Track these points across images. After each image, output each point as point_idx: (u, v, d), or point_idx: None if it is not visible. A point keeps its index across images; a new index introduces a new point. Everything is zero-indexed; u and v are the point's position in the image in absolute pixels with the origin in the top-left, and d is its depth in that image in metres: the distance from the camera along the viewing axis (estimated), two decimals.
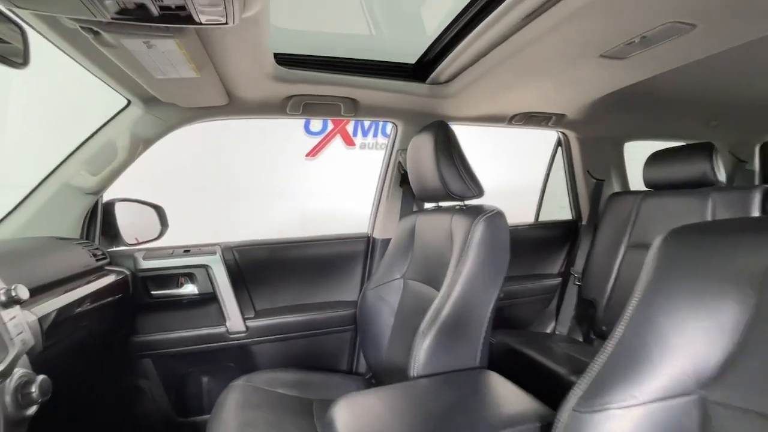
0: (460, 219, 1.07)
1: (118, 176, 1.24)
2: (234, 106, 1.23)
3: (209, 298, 1.40)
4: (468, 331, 0.96)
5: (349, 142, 5.19)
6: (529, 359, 1.46)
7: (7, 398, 0.60)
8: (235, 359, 1.45)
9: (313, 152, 5.07)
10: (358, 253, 1.62)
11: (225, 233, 1.68)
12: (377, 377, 1.37)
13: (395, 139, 1.55)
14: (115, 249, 1.37)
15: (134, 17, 0.64)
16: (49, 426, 0.83)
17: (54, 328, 0.86)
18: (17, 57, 0.62)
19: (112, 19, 0.64)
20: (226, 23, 0.69)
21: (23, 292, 0.65)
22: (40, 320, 0.79)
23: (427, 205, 1.50)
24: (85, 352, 1.17)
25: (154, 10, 0.63)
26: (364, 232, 1.64)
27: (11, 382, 0.62)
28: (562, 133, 1.86)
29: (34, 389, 0.63)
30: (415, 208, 1.59)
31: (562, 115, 1.63)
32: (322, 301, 1.57)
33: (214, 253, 1.39)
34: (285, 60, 1.11)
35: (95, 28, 0.69)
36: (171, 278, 1.38)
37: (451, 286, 0.96)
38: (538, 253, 1.94)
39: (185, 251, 1.39)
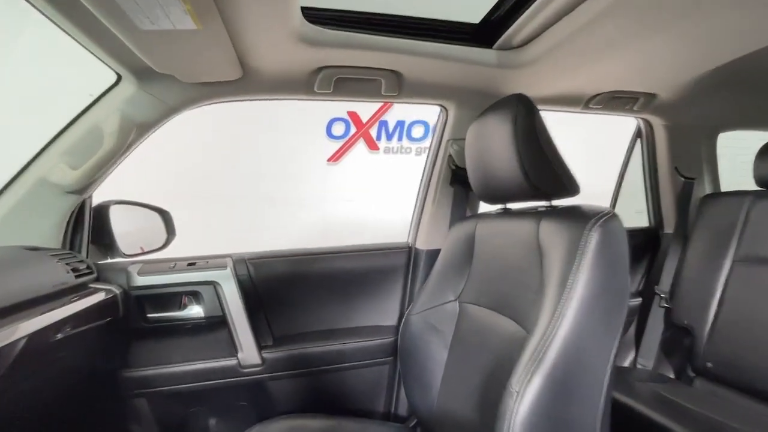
0: (555, 225, 0.76)
1: (104, 170, 1.00)
2: (249, 80, 0.97)
3: (218, 323, 1.13)
4: (584, 389, 0.65)
5: (372, 146, 4.95)
6: (623, 407, 1.12)
7: None
8: (249, 398, 1.17)
9: (335, 157, 4.84)
10: (397, 267, 1.33)
11: (237, 243, 1.43)
12: (426, 427, 1.07)
13: (444, 126, 1.26)
14: (107, 261, 1.13)
15: None
16: None
17: (10, 371, 0.61)
18: None
19: None
20: None
21: None
22: (29, 341, 0.53)
23: (486, 208, 1.19)
24: (60, 396, 0.92)
25: None
26: (403, 242, 1.36)
27: None
28: (645, 120, 1.53)
29: None
30: (468, 213, 1.30)
31: (652, 96, 1.30)
32: (354, 327, 1.28)
33: (224, 266, 1.13)
34: (314, 16, 0.85)
35: None
36: (172, 298, 1.13)
37: (555, 321, 0.66)
38: None
39: (189, 264, 1.14)
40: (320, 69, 0.98)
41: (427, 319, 1.09)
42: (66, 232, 1.03)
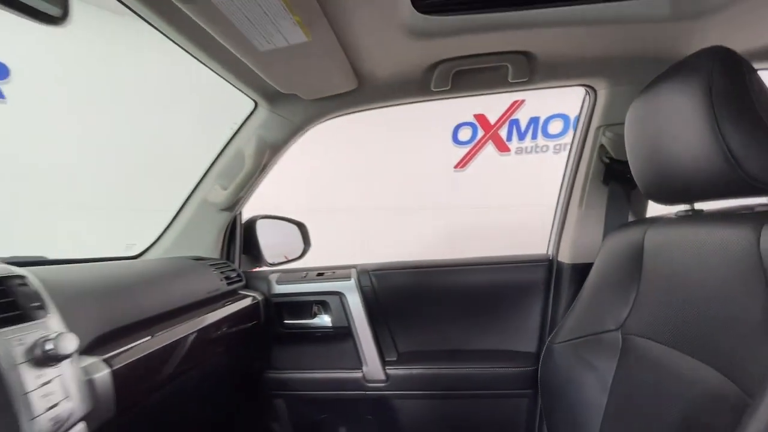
0: None
1: (246, 190, 1.11)
2: (365, 89, 0.95)
3: (344, 334, 1.14)
4: None
5: (502, 148, 4.62)
6: None
7: None
8: (374, 413, 1.14)
9: (462, 163, 4.69)
10: (535, 283, 1.12)
11: (364, 252, 1.44)
12: None
13: (592, 111, 1.01)
14: (254, 270, 1.26)
15: None
16: None
17: (161, 370, 0.70)
18: (54, 11, 0.44)
19: None
20: None
21: (66, 344, 0.46)
22: (130, 367, 0.61)
23: (663, 211, 0.90)
24: (210, 392, 1.04)
25: None
26: (543, 254, 1.14)
27: None
28: None
29: None
30: (630, 217, 1.01)
31: None
32: (485, 350, 1.13)
33: (348, 277, 1.14)
34: (426, 5, 0.77)
35: None
36: (304, 306, 1.19)
37: None
38: None
39: (318, 274, 1.18)
40: (436, 64, 0.89)
41: (578, 350, 0.88)
42: (223, 244, 1.18)
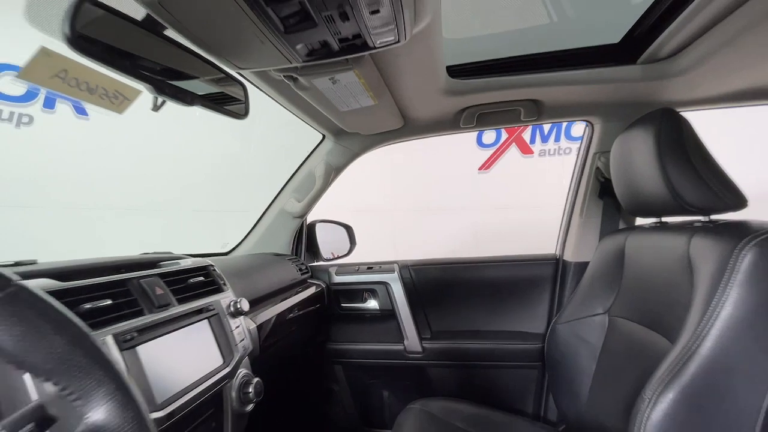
0: (707, 241, 0.75)
1: (317, 202, 1.43)
2: (408, 127, 1.25)
3: (388, 315, 1.44)
4: (731, 410, 0.64)
5: (525, 150, 4.80)
6: None
7: (233, 394, 0.71)
8: (412, 378, 1.44)
9: (486, 165, 4.89)
10: (544, 278, 1.39)
11: (399, 248, 1.73)
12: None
13: (591, 140, 1.27)
14: (314, 264, 1.58)
15: (320, 55, 0.69)
16: (259, 423, 0.97)
17: (269, 335, 1.02)
18: (240, 111, 0.76)
19: (304, 62, 0.70)
20: (398, 41, 0.67)
21: (245, 305, 0.78)
22: (258, 328, 0.94)
23: (642, 221, 1.15)
24: (291, 356, 1.36)
25: (335, 45, 0.66)
26: (551, 254, 1.41)
27: (236, 381, 0.73)
28: None
29: (250, 390, 0.74)
30: (621, 225, 1.26)
31: None
32: (502, 330, 1.41)
33: (392, 271, 1.44)
34: (457, 71, 1.05)
35: (294, 75, 0.78)
36: (357, 293, 1.50)
37: (698, 337, 0.67)
38: None
39: (368, 268, 1.48)
40: (464, 109, 1.17)
41: (575, 329, 1.14)
42: (294, 243, 1.51)
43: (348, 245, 1.73)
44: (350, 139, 1.31)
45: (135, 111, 0.80)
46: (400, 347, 1.41)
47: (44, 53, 0.54)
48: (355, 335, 1.47)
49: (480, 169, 4.92)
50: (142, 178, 3.47)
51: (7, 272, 0.30)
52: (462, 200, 4.85)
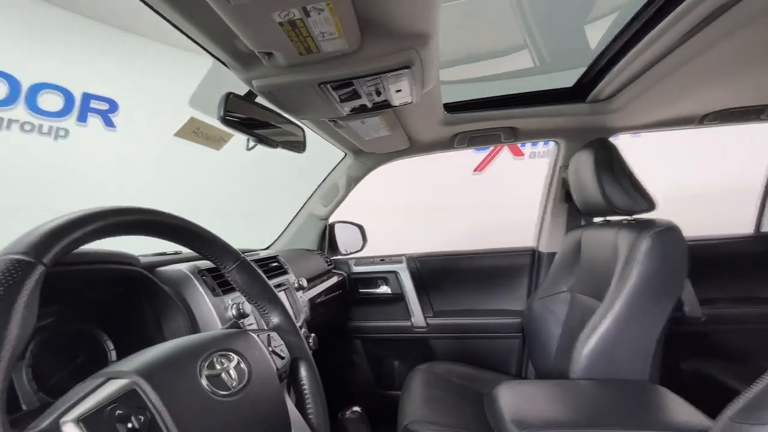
0: (626, 233, 1.09)
1: (338, 206, 1.76)
2: (413, 148, 1.58)
3: (398, 298, 1.77)
4: (633, 345, 0.98)
5: (516, 152, 5.13)
6: None
7: (310, 342, 1.04)
8: (418, 348, 1.77)
9: (481, 167, 5.23)
10: (524, 265, 1.72)
11: (402, 243, 2.05)
12: None
13: (558, 155, 1.60)
14: (337, 257, 1.91)
15: (358, 110, 1.02)
16: None
17: (313, 309, 1.34)
18: (299, 146, 1.08)
19: (347, 114, 1.03)
20: (412, 102, 0.99)
21: (305, 282, 1.11)
22: (309, 301, 1.26)
23: (596, 220, 1.49)
24: (321, 329, 1.69)
25: (369, 105, 0.99)
26: (529, 246, 1.74)
27: (303, 332, 1.06)
28: None
29: (311, 341, 1.06)
30: (583, 222, 1.60)
31: None
32: (490, 308, 1.74)
33: (401, 261, 1.77)
34: (452, 107, 1.38)
35: (337, 120, 1.11)
36: (372, 280, 1.83)
37: (614, 297, 1.01)
38: (760, 271, 1.59)
39: (381, 260, 1.82)
40: (457, 134, 1.50)
41: (546, 304, 1.47)
42: (319, 241, 1.83)
43: (361, 242, 2.05)
44: (367, 157, 1.64)
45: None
46: (408, 323, 1.74)
47: (191, 120, 0.86)
48: (371, 315, 1.80)
49: (475, 170, 5.26)
50: (165, 182, 3.77)
51: (235, 249, 0.62)
52: (458, 200, 5.18)
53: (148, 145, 3.65)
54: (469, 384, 1.45)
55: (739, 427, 0.53)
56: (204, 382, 0.40)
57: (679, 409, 0.80)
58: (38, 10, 2.99)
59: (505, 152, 5.18)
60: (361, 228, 2.07)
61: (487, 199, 5.08)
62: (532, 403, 0.86)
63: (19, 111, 3.06)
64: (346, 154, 1.65)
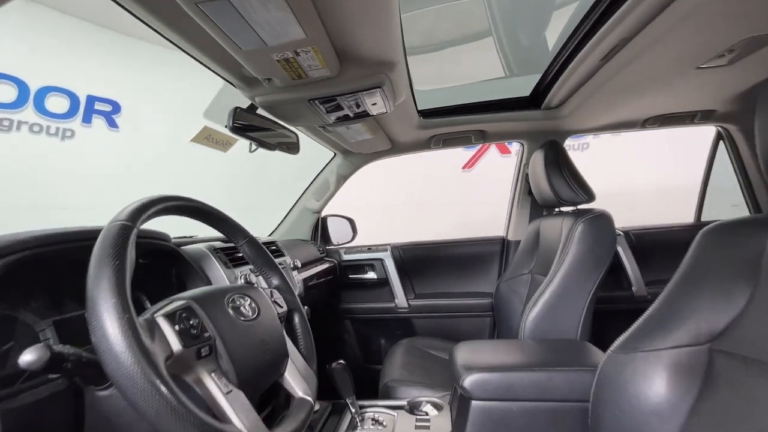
0: (568, 220, 1.30)
1: (329, 201, 1.97)
2: (395, 148, 1.79)
3: (383, 282, 1.99)
4: (568, 311, 1.20)
5: (503, 150, 5.36)
6: None
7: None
8: (401, 327, 1.99)
9: (469, 164, 5.45)
10: (494, 252, 1.94)
11: (394, 236, 2.26)
12: None
13: (523, 155, 1.82)
14: (329, 247, 2.12)
15: (342, 119, 1.22)
16: None
17: (306, 290, 1.55)
18: (294, 149, 1.29)
19: (333, 122, 1.24)
20: (387, 112, 1.20)
21: (299, 263, 1.31)
22: (303, 282, 1.47)
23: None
24: (314, 310, 1.90)
25: (351, 115, 1.19)
26: (499, 235, 1.96)
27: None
28: (722, 127, 1.71)
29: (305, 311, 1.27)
30: (545, 213, 1.81)
31: (711, 111, 1.56)
32: (465, 291, 1.96)
33: (386, 250, 1.98)
34: (427, 113, 1.59)
35: (325, 126, 1.31)
36: (360, 267, 2.04)
37: (555, 272, 1.22)
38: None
39: (368, 249, 2.03)
40: (433, 137, 1.71)
41: (511, 285, 1.69)
42: (312, 232, 2.04)
43: (351, 234, 2.26)
44: (354, 156, 1.85)
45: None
46: (392, 305, 1.96)
47: (205, 128, 1.07)
48: (359, 298, 2.01)
49: (464, 168, 5.48)
50: (167, 176, 3.95)
51: (244, 227, 0.83)
52: (448, 196, 5.40)
53: (149, 145, 3.83)
54: (443, 354, 1.66)
55: (618, 356, 0.74)
56: (230, 310, 0.61)
57: (595, 357, 1.01)
58: (49, 17, 3.16)
59: (493, 150, 5.40)
60: (351, 221, 2.28)
61: (475, 196, 5.30)
62: (481, 354, 1.07)
63: (28, 113, 3.24)
64: (335, 154, 1.86)
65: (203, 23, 0.65)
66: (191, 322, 0.52)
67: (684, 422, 0.63)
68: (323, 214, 2.11)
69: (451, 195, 5.39)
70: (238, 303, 0.64)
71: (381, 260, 1.98)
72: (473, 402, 0.94)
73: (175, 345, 0.49)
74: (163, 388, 0.41)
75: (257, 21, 0.64)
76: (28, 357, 0.41)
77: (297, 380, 0.70)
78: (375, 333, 2.03)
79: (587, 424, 0.76)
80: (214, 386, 0.50)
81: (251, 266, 0.92)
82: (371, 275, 2.02)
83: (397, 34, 0.86)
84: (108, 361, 0.40)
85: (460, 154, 5.44)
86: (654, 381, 0.67)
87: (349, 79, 0.95)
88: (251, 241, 0.81)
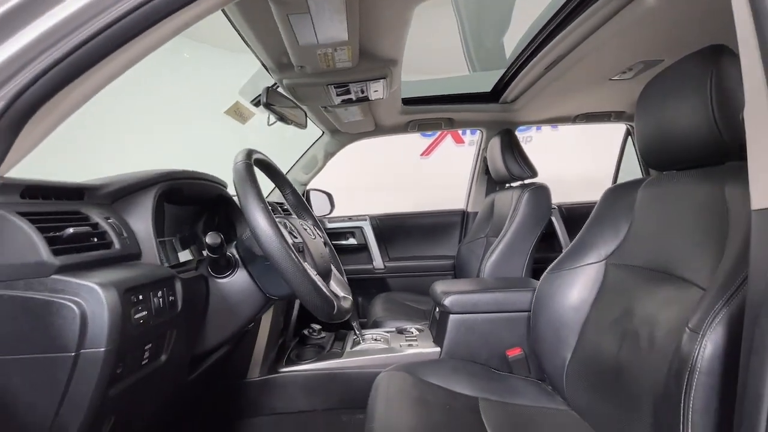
0: (516, 192, 1.69)
1: (316, 175, 2.22)
2: (378, 130, 2.08)
3: (363, 248, 2.29)
4: (516, 259, 1.59)
5: (458, 140, 5.81)
6: None
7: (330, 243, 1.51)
8: (378, 285, 2.31)
9: (427, 152, 5.85)
10: (456, 222, 2.32)
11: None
12: None
13: (482, 140, 2.20)
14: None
15: (346, 102, 1.49)
16: None
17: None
18: (301, 123, 1.53)
19: (338, 104, 1.50)
20: (382, 98, 1.49)
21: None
22: None
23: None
24: None
25: (354, 98, 1.47)
26: (460, 208, 2.34)
27: None
28: (630, 125, 2.21)
29: None
30: (498, 188, 2.21)
31: (622, 112, 2.03)
32: (432, 254, 2.32)
33: (365, 219, 2.28)
34: (408, 101, 1.89)
35: (329, 107, 1.57)
36: (342, 234, 2.32)
37: (506, 230, 1.60)
38: None
39: (349, 218, 2.31)
40: (410, 121, 2.03)
41: (470, 248, 2.07)
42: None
43: (329, 207, 2.52)
44: (341, 135, 2.11)
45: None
46: (370, 266, 2.27)
47: (237, 103, 1.28)
48: (341, 261, 2.28)
49: (422, 155, 5.88)
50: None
51: (290, 181, 1.08)
52: (406, 180, 5.77)
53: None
54: (415, 304, 2.01)
55: (550, 275, 1.10)
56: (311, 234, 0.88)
57: (534, 284, 1.40)
58: None
59: (449, 139, 5.84)
60: (330, 196, 2.53)
61: (431, 180, 5.72)
62: (454, 286, 1.42)
63: None
64: (323, 132, 2.10)
65: (281, 24, 0.89)
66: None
67: (588, 311, 1.00)
68: (308, 187, 2.35)
69: (410, 179, 5.77)
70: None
71: (361, 228, 2.28)
72: (451, 315, 1.29)
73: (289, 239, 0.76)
74: (294, 257, 0.68)
75: (320, 27, 0.90)
76: (210, 239, 0.67)
77: (340, 285, 0.99)
78: (356, 292, 2.32)
79: (530, 325, 1.13)
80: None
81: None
82: (352, 241, 2.32)
83: (405, 38, 1.15)
84: (262, 240, 0.67)
85: (419, 141, 5.81)
86: (573, 288, 1.03)
87: (364, 70, 1.23)
88: (293, 191, 1.07)
